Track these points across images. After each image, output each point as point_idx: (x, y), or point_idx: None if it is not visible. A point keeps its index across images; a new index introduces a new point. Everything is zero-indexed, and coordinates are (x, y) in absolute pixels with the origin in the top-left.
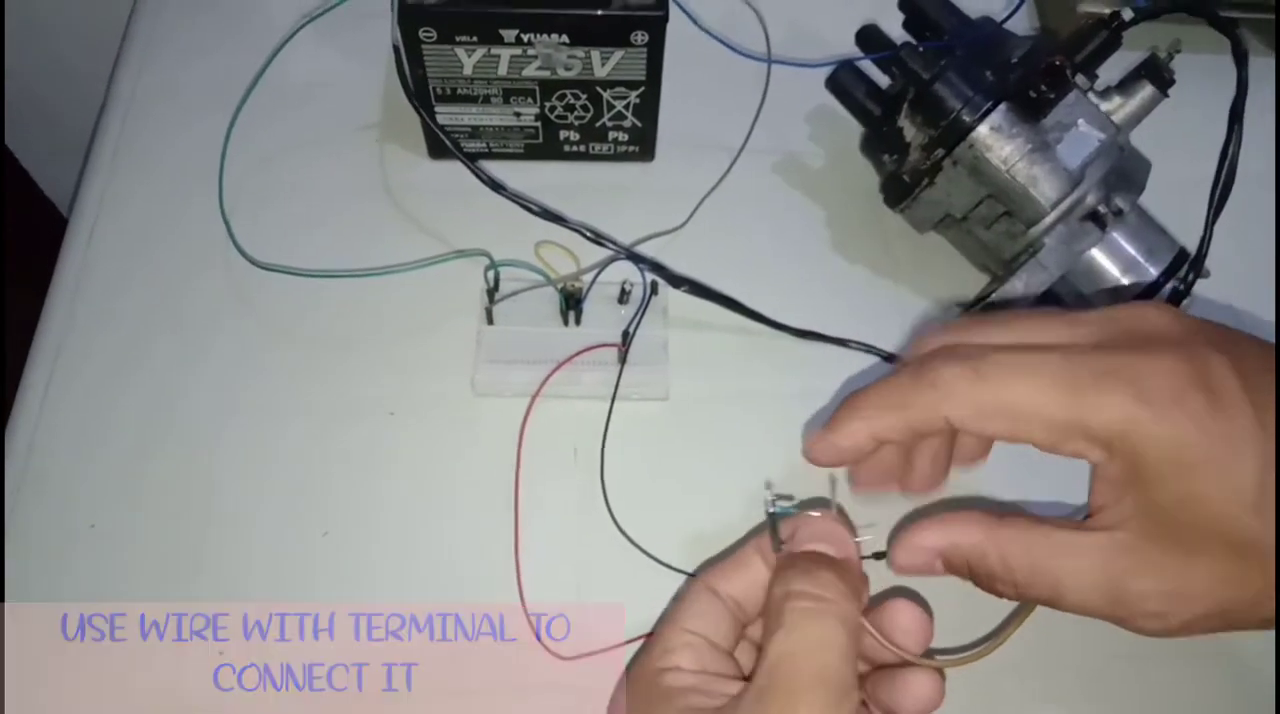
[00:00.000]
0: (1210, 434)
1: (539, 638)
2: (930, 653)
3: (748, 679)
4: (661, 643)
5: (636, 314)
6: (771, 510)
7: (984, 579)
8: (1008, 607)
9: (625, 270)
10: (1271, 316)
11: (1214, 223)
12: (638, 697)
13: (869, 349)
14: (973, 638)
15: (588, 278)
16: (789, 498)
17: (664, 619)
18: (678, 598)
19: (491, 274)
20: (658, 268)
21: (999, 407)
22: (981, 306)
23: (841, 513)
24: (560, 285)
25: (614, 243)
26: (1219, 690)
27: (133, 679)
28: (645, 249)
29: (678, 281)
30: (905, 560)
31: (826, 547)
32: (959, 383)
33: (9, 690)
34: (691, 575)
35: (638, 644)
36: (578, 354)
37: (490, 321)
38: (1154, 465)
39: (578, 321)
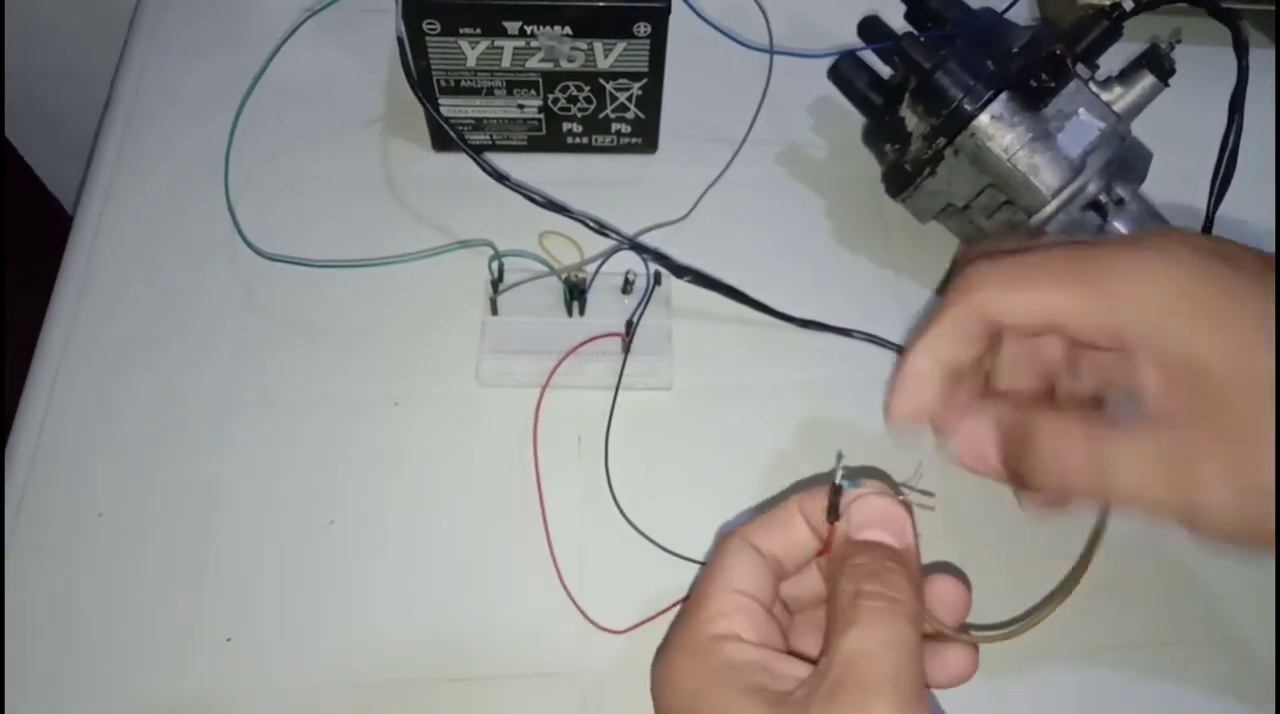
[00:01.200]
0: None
1: (586, 615)
2: (965, 627)
3: (795, 653)
4: (714, 604)
5: (640, 304)
6: (839, 483)
7: (1029, 462)
8: (1044, 587)
9: (629, 261)
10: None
11: (1215, 212)
12: (693, 667)
13: (872, 339)
14: (1008, 613)
15: (591, 268)
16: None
17: (708, 577)
18: (716, 554)
19: (495, 265)
20: (661, 258)
21: (1028, 301)
22: None
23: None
24: (564, 276)
25: (617, 233)
26: (1222, 678)
27: (139, 667)
28: (648, 240)
29: (681, 272)
30: (967, 434)
31: (886, 535)
32: (990, 273)
33: (9, 679)
34: (701, 564)
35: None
36: (582, 344)
37: (494, 312)
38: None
39: (581, 312)
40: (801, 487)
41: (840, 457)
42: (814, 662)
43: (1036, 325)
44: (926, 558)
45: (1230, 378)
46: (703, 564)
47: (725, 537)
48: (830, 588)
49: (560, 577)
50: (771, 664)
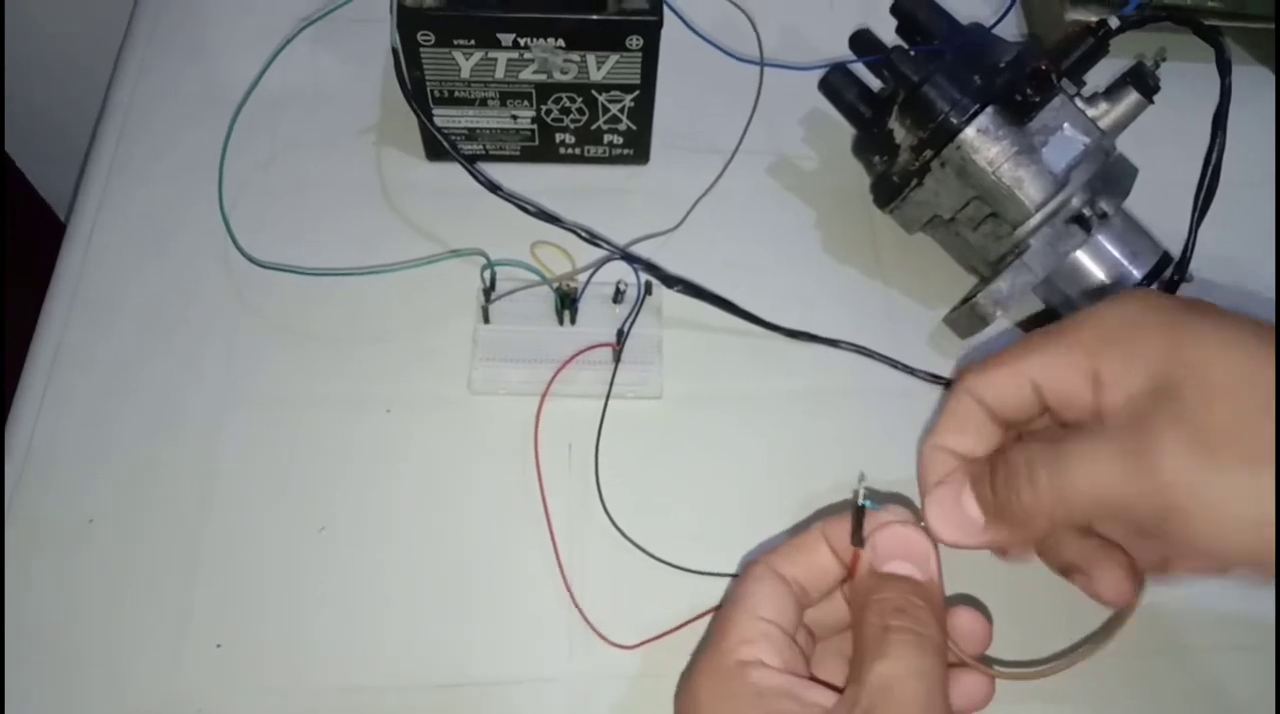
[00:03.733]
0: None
1: (593, 628)
2: (988, 659)
3: (817, 679)
4: (736, 631)
5: (631, 314)
6: (861, 504)
7: (1000, 493)
8: (1065, 634)
9: (620, 271)
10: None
11: (1198, 227)
12: (720, 693)
13: (860, 350)
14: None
15: (583, 278)
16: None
17: (731, 604)
18: (740, 581)
19: (488, 274)
20: (652, 268)
21: (1006, 374)
22: (966, 304)
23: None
24: (556, 285)
25: (609, 243)
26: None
27: (130, 674)
28: (640, 250)
29: (672, 282)
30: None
31: (911, 568)
32: (977, 363)
33: (9, 685)
34: (687, 571)
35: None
36: (577, 355)
37: (486, 321)
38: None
39: (573, 321)
40: (825, 512)
41: (862, 477)
42: (836, 688)
43: (1022, 401)
44: (955, 593)
45: (1186, 378)
46: (690, 571)
47: (750, 564)
48: (856, 618)
49: (567, 585)
50: (797, 691)
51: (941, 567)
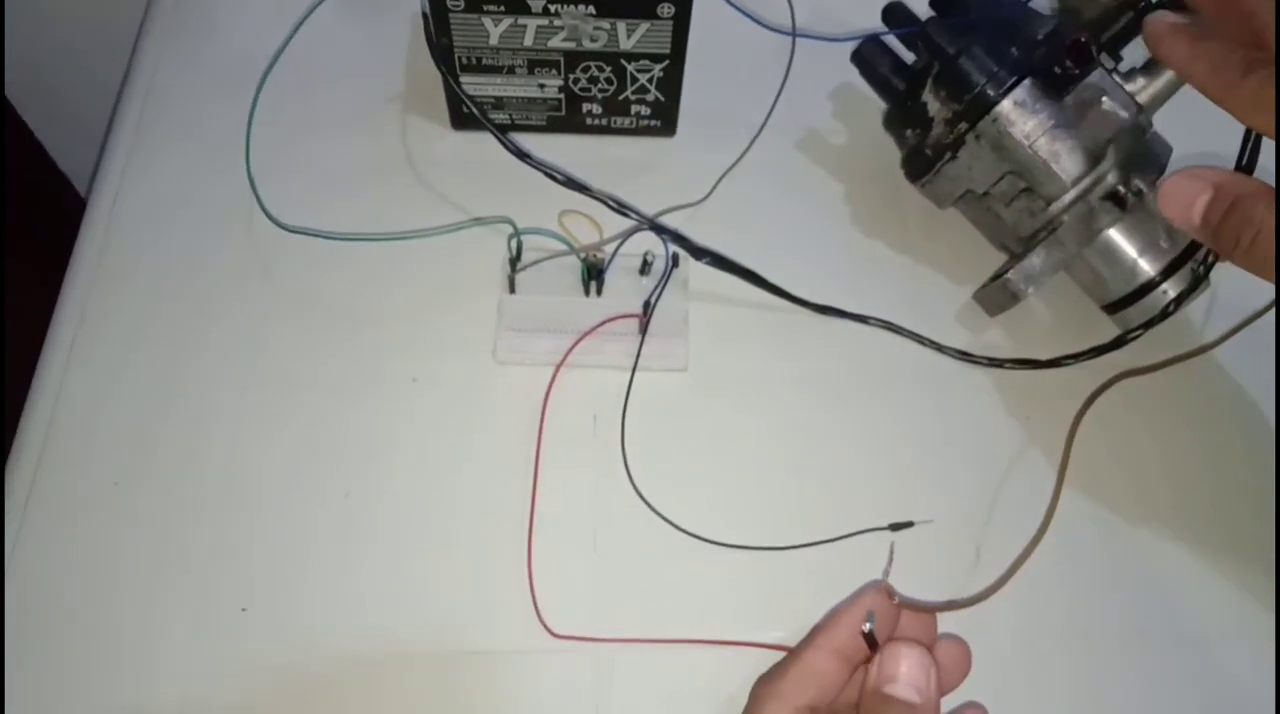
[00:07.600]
0: None
1: (536, 608)
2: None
3: None
4: None
5: (658, 285)
6: (868, 629)
7: (1227, 233)
8: None
9: (647, 242)
10: None
11: None
12: None
13: (887, 326)
14: None
15: (610, 248)
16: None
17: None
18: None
19: (514, 243)
20: (680, 239)
21: None
22: (997, 281)
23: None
24: (583, 255)
25: (638, 213)
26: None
27: (154, 635)
28: (667, 221)
29: (700, 253)
30: (1176, 187)
31: (910, 690)
32: None
33: (23, 649)
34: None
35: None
36: (600, 325)
37: (512, 290)
38: None
39: (599, 292)
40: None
41: (872, 617)
42: None
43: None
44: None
45: None
46: (713, 543)
47: (762, 694)
48: None
49: (530, 562)
50: None
51: (940, 687)
